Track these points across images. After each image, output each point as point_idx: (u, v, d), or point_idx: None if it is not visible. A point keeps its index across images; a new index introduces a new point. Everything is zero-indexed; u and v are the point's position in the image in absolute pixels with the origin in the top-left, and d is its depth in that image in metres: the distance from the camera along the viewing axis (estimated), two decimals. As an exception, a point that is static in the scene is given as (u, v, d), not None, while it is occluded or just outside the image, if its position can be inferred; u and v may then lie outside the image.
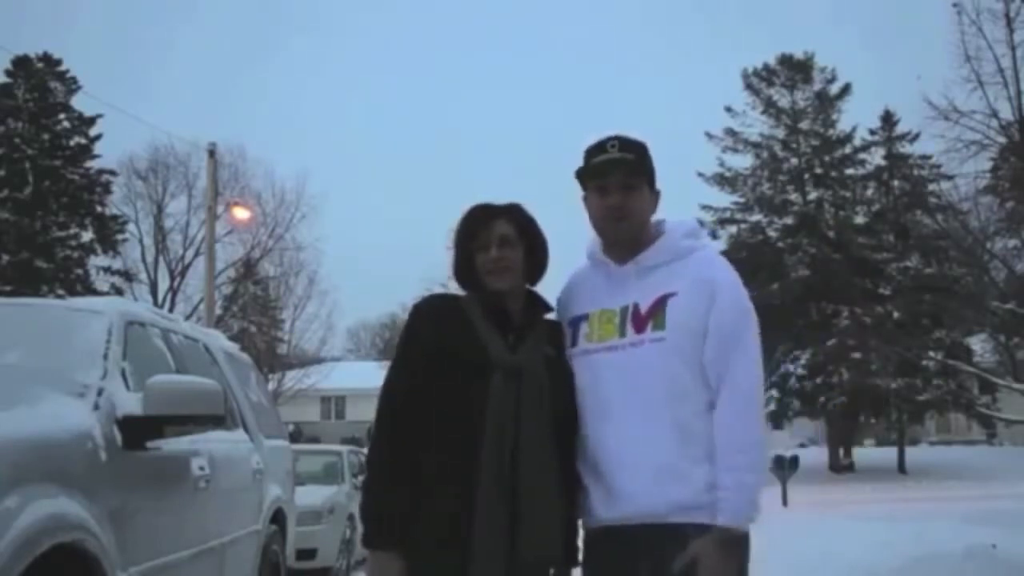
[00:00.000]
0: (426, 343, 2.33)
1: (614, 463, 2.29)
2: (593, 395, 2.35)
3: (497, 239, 2.35)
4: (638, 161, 2.41)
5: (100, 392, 3.34)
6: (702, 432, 2.25)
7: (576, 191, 2.50)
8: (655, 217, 2.48)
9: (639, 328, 2.32)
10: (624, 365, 2.31)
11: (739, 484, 2.21)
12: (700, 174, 34.11)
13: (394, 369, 2.37)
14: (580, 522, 2.43)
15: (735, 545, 2.22)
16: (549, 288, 2.52)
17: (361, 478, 10.81)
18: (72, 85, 32.99)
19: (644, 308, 2.33)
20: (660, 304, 2.32)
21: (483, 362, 2.27)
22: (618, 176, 2.38)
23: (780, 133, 34.49)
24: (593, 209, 2.43)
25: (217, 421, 3.91)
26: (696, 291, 2.31)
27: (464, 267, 2.41)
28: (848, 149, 34.17)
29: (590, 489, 2.35)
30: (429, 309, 2.41)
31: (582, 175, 2.44)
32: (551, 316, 2.50)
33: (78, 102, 32.80)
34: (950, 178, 20.12)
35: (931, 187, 27.60)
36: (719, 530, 2.19)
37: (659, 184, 2.47)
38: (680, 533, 2.20)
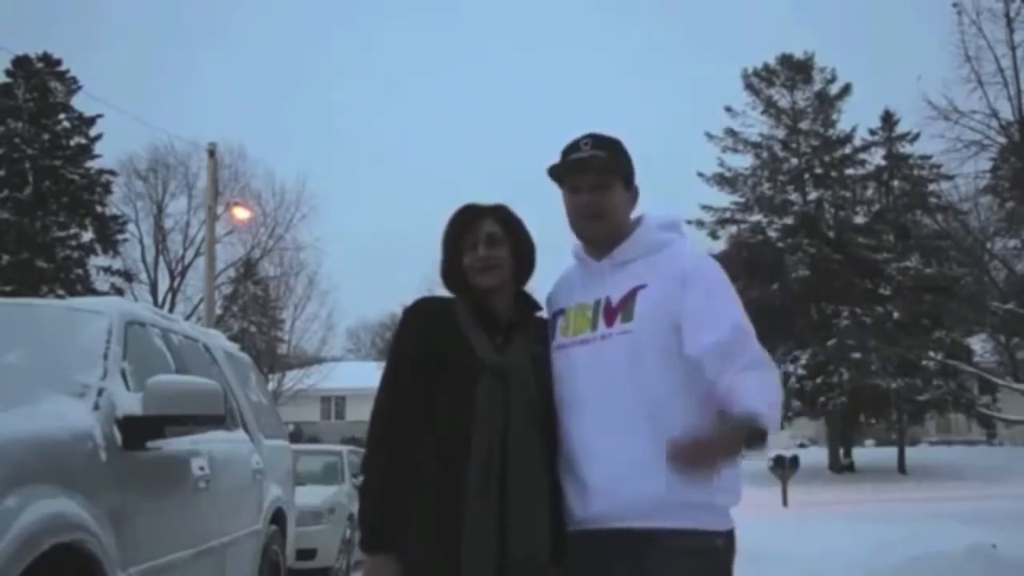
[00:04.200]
0: (415, 346, 2.34)
1: (586, 458, 2.26)
2: (567, 389, 2.33)
3: (484, 237, 2.36)
4: (611, 159, 2.38)
5: (100, 392, 3.34)
6: (674, 425, 2.15)
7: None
8: (635, 213, 2.45)
9: (609, 321, 2.31)
10: (594, 358, 2.29)
11: (747, 380, 2.10)
12: (700, 174, 34.18)
13: (386, 373, 2.38)
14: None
15: (747, 435, 2.04)
16: (540, 289, 2.51)
17: (361, 478, 10.82)
18: (72, 85, 33.01)
19: (615, 301, 2.32)
20: (631, 297, 2.30)
21: (470, 363, 2.28)
22: (590, 175, 2.36)
23: (780, 133, 34.48)
24: (567, 208, 2.42)
25: (217, 421, 3.91)
26: (667, 282, 2.28)
27: (452, 268, 2.42)
28: (848, 149, 34.16)
29: (565, 487, 2.31)
30: (418, 312, 2.41)
31: (555, 173, 2.42)
32: (542, 315, 2.49)
33: (78, 102, 32.90)
34: (950, 178, 20.22)
35: (931, 187, 27.67)
36: (735, 419, 2.03)
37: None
38: (657, 539, 2.16)
